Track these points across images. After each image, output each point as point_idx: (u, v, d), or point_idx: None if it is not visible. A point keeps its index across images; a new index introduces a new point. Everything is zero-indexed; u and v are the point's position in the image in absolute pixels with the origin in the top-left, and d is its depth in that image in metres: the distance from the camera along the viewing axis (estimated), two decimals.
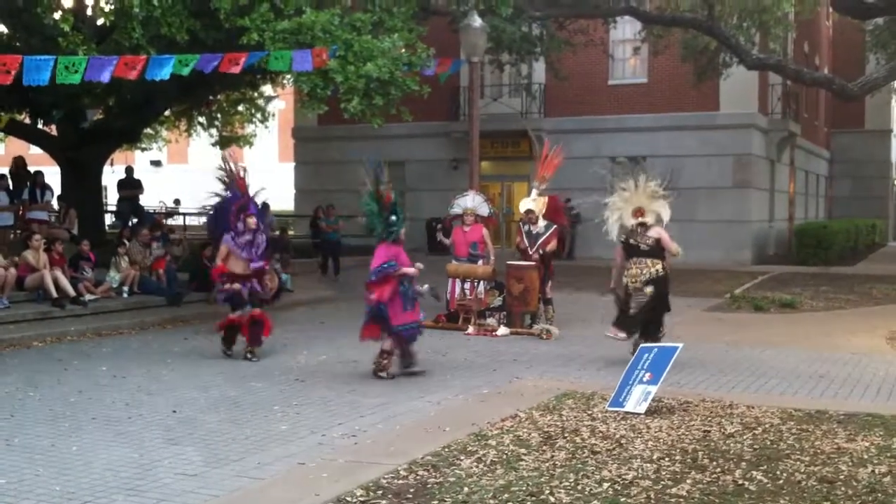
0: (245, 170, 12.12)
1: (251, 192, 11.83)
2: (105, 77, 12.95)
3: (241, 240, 11.45)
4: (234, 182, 11.84)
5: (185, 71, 13.37)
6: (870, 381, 10.09)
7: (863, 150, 42.34)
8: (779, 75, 26.16)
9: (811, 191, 38.92)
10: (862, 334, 13.75)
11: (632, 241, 11.07)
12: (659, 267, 10.97)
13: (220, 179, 12.08)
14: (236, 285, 11.48)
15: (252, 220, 11.53)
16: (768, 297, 17.71)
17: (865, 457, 6.85)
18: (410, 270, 10.34)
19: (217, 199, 12.21)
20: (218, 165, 12.17)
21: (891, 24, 26.48)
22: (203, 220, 13.84)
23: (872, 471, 6.47)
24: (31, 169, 20.16)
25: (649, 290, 10.94)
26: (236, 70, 13.94)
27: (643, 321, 11.04)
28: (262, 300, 11.76)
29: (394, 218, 10.37)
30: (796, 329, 14.46)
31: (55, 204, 19.70)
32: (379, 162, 10.72)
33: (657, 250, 11.02)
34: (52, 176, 22.30)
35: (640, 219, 11.08)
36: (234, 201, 11.68)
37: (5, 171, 19.89)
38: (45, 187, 18.90)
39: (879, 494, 5.96)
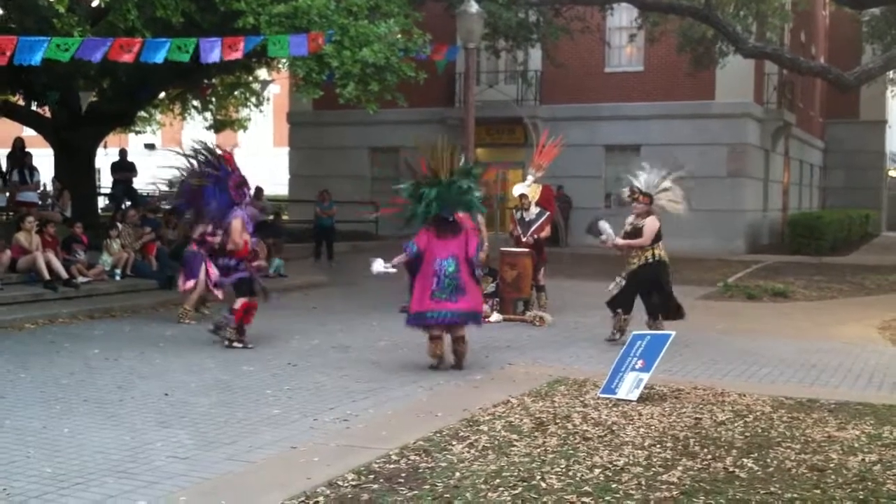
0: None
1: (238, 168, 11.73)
2: (97, 57, 12.84)
3: (248, 212, 11.47)
4: (222, 159, 11.55)
5: (185, 57, 13.17)
6: (861, 371, 10.12)
7: (857, 140, 42.34)
8: (775, 64, 26.13)
9: (805, 181, 38.95)
10: (853, 324, 13.78)
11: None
12: (648, 254, 11.30)
13: (200, 160, 11.69)
14: (245, 273, 11.46)
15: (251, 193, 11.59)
16: (761, 286, 17.74)
17: (856, 445, 6.87)
18: (391, 270, 10.12)
19: (196, 181, 11.80)
20: (196, 147, 11.81)
21: (887, 15, 26.46)
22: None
23: (862, 459, 6.49)
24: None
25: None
26: (237, 55, 13.83)
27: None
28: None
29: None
30: (788, 318, 14.49)
31: (47, 186, 19.62)
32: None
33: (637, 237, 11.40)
34: (46, 158, 22.25)
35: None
36: (228, 177, 11.36)
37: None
38: (33, 169, 18.85)
39: (869, 483, 5.98)
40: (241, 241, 11.20)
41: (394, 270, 10.25)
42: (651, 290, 11.40)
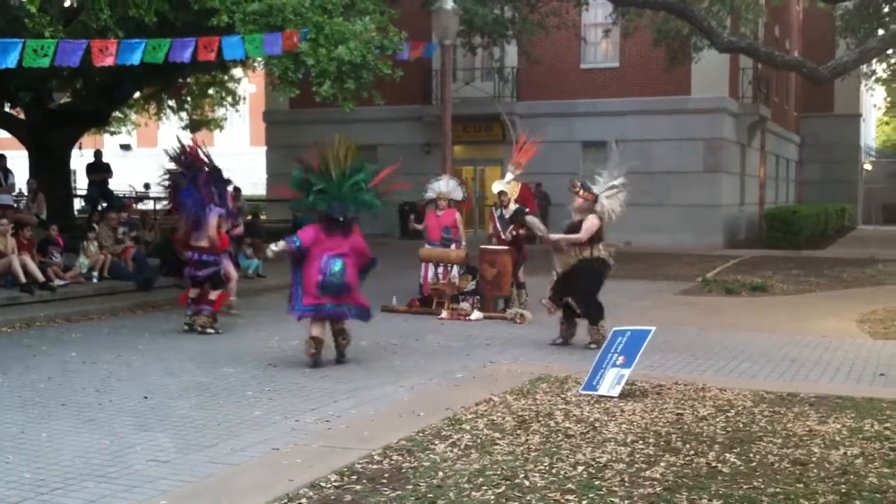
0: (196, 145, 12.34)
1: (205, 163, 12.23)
2: (75, 61, 12.72)
3: (228, 208, 12.33)
4: (191, 158, 12.12)
5: (158, 57, 13.08)
6: (840, 364, 10.17)
7: (832, 134, 42.69)
8: (750, 58, 26.26)
9: (781, 175, 39.21)
10: (832, 317, 13.86)
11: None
12: (586, 252, 11.08)
13: (175, 160, 12.31)
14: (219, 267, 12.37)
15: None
16: (739, 281, 17.81)
17: (837, 439, 6.90)
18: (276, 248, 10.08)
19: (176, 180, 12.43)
20: (173, 147, 12.41)
21: (860, 9, 26.61)
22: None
23: (844, 452, 6.52)
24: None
25: None
26: (211, 57, 13.73)
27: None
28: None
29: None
30: (767, 312, 14.56)
31: (22, 188, 19.47)
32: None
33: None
34: (21, 160, 22.06)
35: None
36: (201, 175, 11.99)
37: None
38: (8, 171, 18.70)
39: (851, 476, 6.00)
40: (216, 236, 12.05)
41: (278, 248, 10.03)
42: (576, 290, 11.18)
